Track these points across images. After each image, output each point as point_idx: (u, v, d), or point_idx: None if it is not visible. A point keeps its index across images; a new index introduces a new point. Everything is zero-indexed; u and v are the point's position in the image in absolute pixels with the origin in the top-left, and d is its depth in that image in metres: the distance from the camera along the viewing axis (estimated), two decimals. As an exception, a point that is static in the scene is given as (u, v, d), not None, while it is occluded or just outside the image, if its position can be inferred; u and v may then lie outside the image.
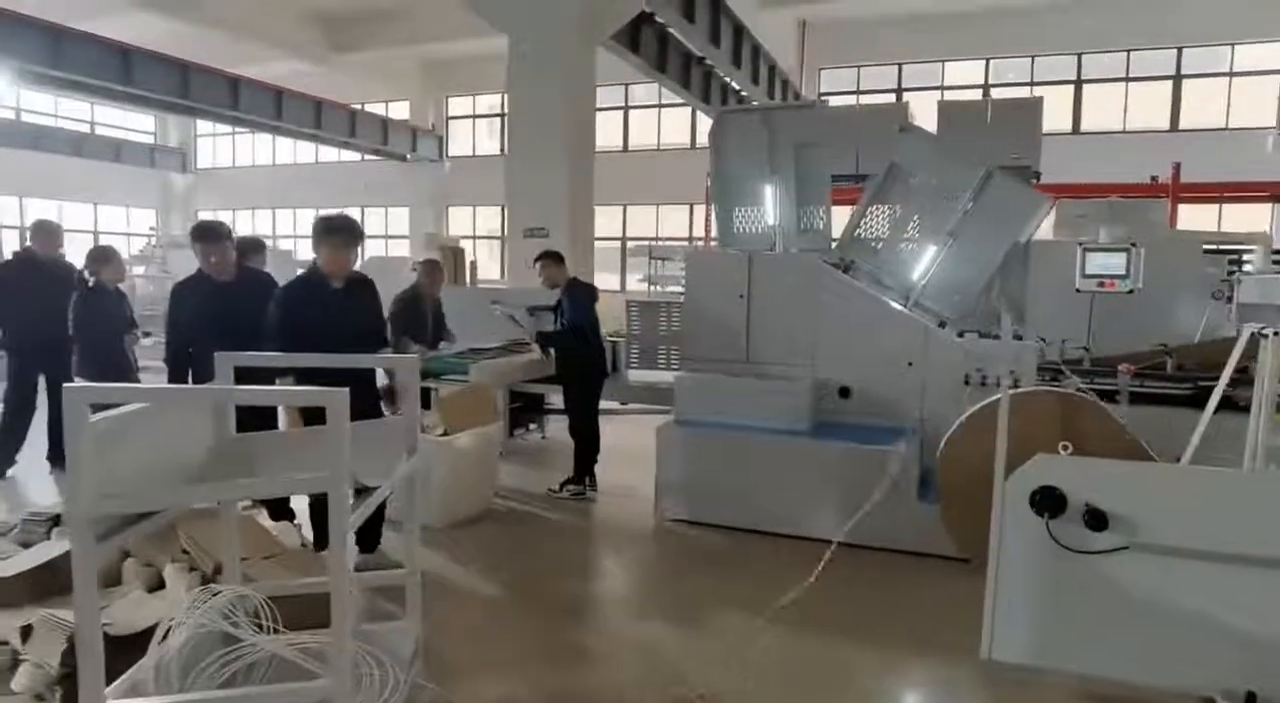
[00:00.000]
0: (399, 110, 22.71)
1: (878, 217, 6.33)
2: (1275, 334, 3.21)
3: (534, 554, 4.80)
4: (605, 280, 18.18)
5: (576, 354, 5.87)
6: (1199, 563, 3.01)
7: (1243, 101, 16.35)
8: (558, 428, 7.84)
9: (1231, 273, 5.97)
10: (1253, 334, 3.68)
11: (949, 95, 17.18)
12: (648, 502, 5.51)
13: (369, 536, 4.24)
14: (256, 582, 2.81)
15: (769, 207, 6.61)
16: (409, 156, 21.99)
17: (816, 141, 6.30)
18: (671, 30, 12.01)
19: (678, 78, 13.35)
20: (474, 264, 12.88)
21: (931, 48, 18.06)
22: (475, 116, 23.09)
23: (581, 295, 5.93)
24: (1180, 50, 16.75)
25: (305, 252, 23.42)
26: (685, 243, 19.53)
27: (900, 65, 18.75)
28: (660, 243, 17.38)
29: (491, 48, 19.59)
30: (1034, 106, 10.24)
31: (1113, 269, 5.35)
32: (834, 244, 6.48)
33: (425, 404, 5.42)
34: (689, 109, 20.16)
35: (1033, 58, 17.67)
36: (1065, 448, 3.17)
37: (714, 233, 12.87)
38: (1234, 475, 3.26)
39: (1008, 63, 18.02)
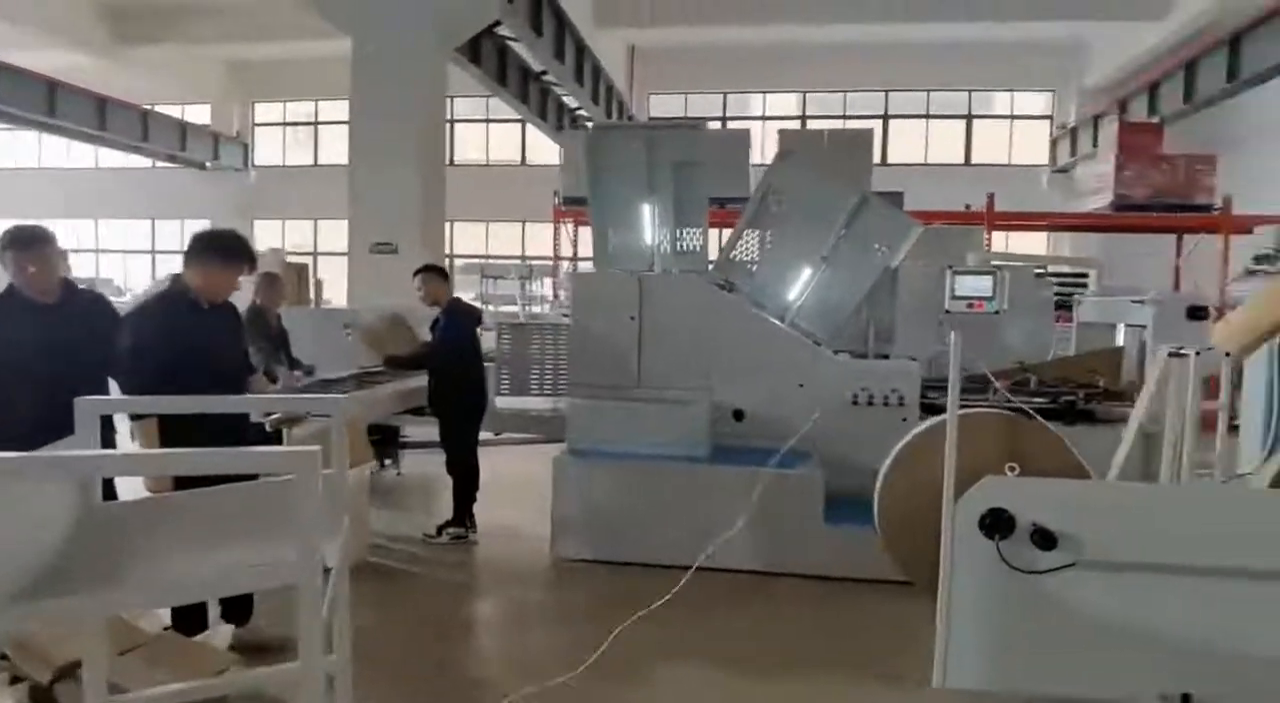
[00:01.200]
0: (198, 114, 20.66)
1: (754, 239, 6.36)
2: (1196, 354, 3.41)
3: (425, 611, 4.27)
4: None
5: (454, 382, 5.40)
6: (1138, 575, 3.11)
7: (1023, 142, 18.40)
8: (414, 463, 7.24)
9: (1071, 295, 6.55)
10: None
11: (769, 126, 18.04)
12: (537, 541, 5.13)
13: (241, 606, 3.57)
14: (127, 696, 2.19)
15: (647, 227, 6.47)
16: (209, 165, 20.06)
17: (696, 162, 6.22)
18: (511, 44, 11.70)
19: (517, 92, 13.04)
20: (320, 283, 11.78)
21: (753, 79, 18.89)
22: (286, 124, 21.47)
23: (460, 317, 5.48)
24: (970, 93, 18.59)
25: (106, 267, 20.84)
26: (518, 261, 19.16)
27: (725, 94, 19.46)
28: (492, 260, 16.86)
29: (306, 51, 18.39)
30: (866, 137, 10.95)
31: (981, 291, 5.64)
32: (711, 266, 6.44)
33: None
34: (519, 125, 19.87)
35: (844, 93, 18.95)
36: (1012, 469, 3.19)
37: (563, 251, 12.68)
38: (1168, 490, 3.44)
39: (822, 97, 19.22)
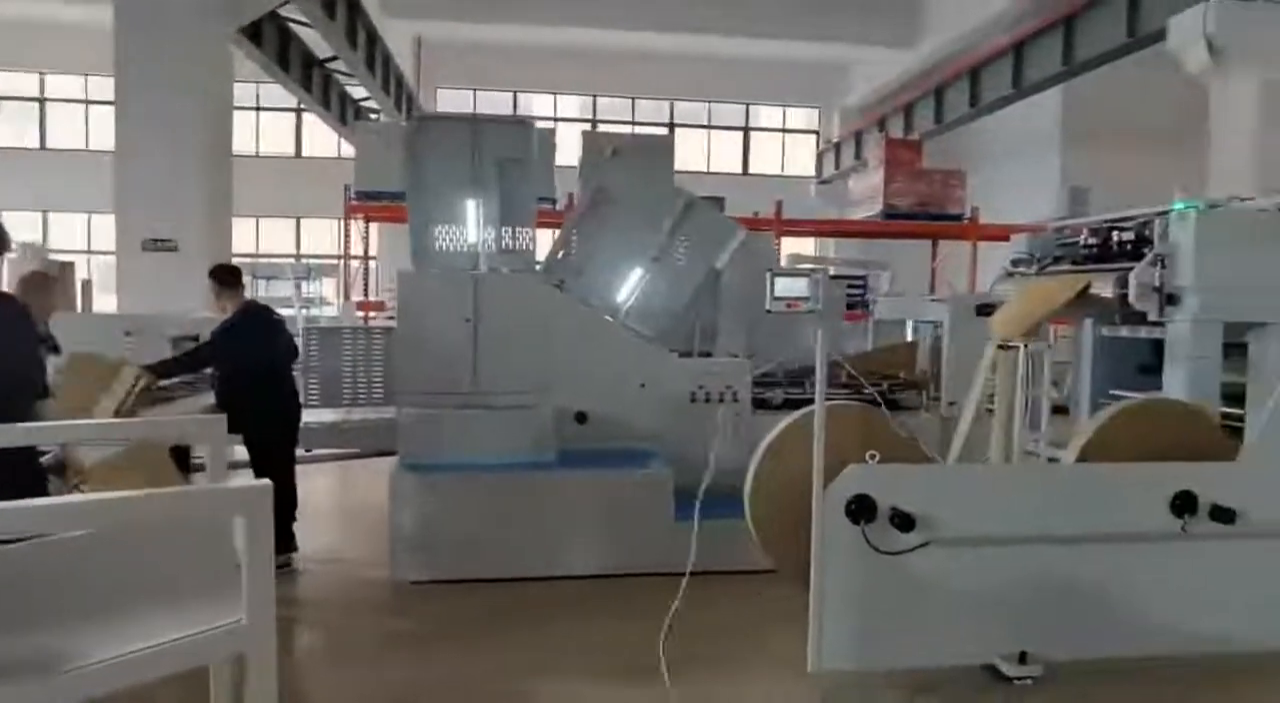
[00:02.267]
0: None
1: (584, 238, 6.32)
2: (1024, 347, 3.81)
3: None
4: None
5: (258, 394, 4.86)
6: (981, 548, 3.43)
7: (793, 154, 19.86)
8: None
9: (861, 295, 7.15)
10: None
11: (560, 127, 18.10)
12: (370, 565, 4.76)
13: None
14: None
15: (471, 224, 6.21)
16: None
17: (524, 159, 6.07)
18: (296, 28, 10.81)
19: (299, 79, 12.07)
20: (88, 283, 10.08)
21: (543, 80, 18.87)
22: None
23: (256, 322, 4.96)
24: (747, 107, 19.79)
25: None
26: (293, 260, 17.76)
27: (515, 92, 19.27)
28: (272, 260, 15.50)
29: (19, 11, 15.86)
30: (668, 144, 11.28)
31: (798, 292, 5.98)
32: (539, 266, 6.32)
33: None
34: (294, 115, 18.47)
35: (633, 99, 19.45)
36: (873, 457, 3.38)
37: (355, 249, 11.86)
38: (1002, 470, 3.82)
39: (610, 101, 19.60)
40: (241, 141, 18.74)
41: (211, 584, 1.49)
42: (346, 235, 10.69)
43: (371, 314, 10.58)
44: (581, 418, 5.29)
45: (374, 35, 12.13)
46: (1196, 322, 5.52)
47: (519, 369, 5.20)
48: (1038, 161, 15.28)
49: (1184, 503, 3.53)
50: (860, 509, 3.34)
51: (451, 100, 18.96)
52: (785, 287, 6.10)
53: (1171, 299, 5.66)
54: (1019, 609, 3.46)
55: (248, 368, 4.88)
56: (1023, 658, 3.44)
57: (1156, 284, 5.68)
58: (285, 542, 4.93)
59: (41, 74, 18.70)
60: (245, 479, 5.20)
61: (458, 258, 6.23)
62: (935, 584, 3.40)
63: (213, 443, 1.96)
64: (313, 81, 12.87)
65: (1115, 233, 6.74)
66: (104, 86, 17.43)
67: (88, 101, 18.59)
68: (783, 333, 6.61)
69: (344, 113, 14.81)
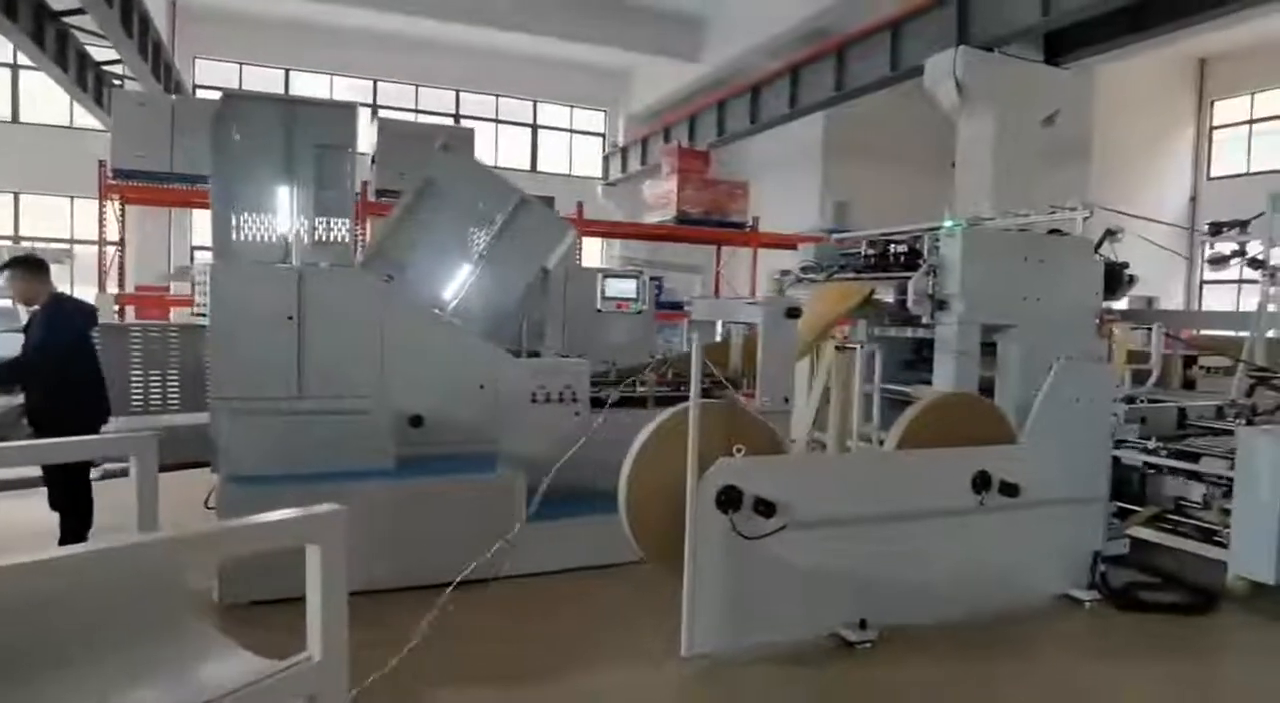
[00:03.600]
0: None
1: (408, 232, 6.10)
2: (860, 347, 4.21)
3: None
4: None
5: (66, 395, 4.25)
6: (827, 527, 3.79)
7: (580, 155, 20.18)
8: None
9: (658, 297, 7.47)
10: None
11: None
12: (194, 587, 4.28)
13: None
14: None
15: (282, 214, 5.77)
16: None
17: (344, 146, 5.75)
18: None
19: (29, 32, 10.42)
20: None
21: (319, 60, 17.70)
22: None
23: (67, 317, 4.32)
24: (535, 103, 19.81)
25: None
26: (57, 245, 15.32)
27: (288, 71, 17.89)
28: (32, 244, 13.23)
29: None
30: (468, 136, 11.10)
31: (626, 293, 6.17)
32: (359, 260, 6.03)
33: None
34: (7, 72, 15.90)
35: (417, 87, 18.77)
36: (739, 450, 3.62)
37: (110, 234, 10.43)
38: (841, 458, 4.20)
39: (396, 88, 18.78)
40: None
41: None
42: (102, 218, 9.39)
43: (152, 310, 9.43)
44: (417, 421, 5.11)
45: (129, -3, 10.76)
46: (961, 324, 6.40)
47: (348, 371, 4.94)
48: (804, 175, 16.76)
49: (981, 481, 4.14)
50: (729, 499, 3.58)
51: (214, 73, 17.22)
52: (616, 288, 6.29)
53: (941, 305, 6.51)
54: (859, 582, 3.88)
55: (59, 364, 4.23)
56: (863, 625, 3.86)
57: (930, 292, 6.52)
58: None
59: None
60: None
61: (264, 250, 5.79)
62: (791, 564, 3.72)
63: (143, 462, 1.72)
64: (45, 36, 11.16)
65: (892, 246, 7.63)
66: None
67: None
68: (599, 332, 6.78)
69: (83, 76, 12.97)
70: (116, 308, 9.36)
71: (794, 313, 6.42)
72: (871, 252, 8.02)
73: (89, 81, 13.33)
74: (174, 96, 9.86)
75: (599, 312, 6.25)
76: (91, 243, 11.08)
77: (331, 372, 4.88)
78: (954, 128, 10.19)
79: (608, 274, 6.15)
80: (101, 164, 9.17)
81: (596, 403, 5.89)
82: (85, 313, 4.60)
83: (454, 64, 18.06)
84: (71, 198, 16.29)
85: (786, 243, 13.81)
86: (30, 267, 4.37)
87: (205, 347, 5.04)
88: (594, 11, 16.34)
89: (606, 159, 20.01)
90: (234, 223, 5.68)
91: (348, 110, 5.78)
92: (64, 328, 4.34)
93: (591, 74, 19.00)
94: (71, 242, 16.35)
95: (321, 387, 4.86)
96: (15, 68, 16.24)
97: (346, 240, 6.04)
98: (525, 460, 5.08)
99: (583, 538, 4.90)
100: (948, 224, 6.70)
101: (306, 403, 4.79)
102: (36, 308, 4.33)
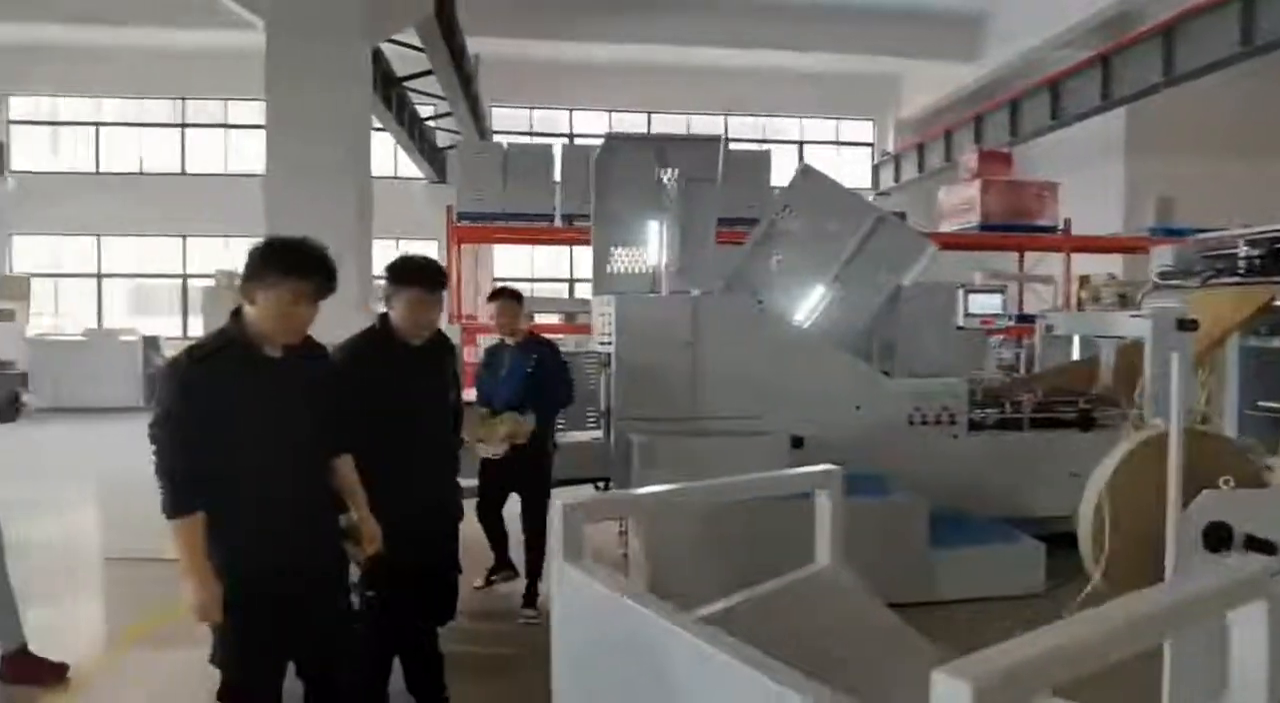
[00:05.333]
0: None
1: (762, 258, 6.26)
2: None
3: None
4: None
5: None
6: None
7: (850, 168, 19.83)
8: None
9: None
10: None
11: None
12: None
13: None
14: None
15: (652, 245, 6.17)
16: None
17: (709, 179, 6.04)
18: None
19: (382, 98, 12.04)
20: None
21: (599, 97, 18.89)
22: (57, 123, 18.40)
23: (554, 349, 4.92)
24: (802, 120, 19.77)
25: None
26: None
27: (571, 111, 19.28)
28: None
29: (78, 38, 15.89)
30: (765, 159, 11.29)
31: (991, 308, 5.93)
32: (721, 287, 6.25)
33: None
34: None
35: (688, 117, 19.42)
36: (1227, 482, 3.30)
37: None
38: None
39: (664, 117, 19.59)
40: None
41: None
42: (450, 257, 10.62)
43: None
44: (798, 443, 5.21)
45: (464, 53, 12.12)
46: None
47: (737, 392, 5.14)
48: (1102, 172, 15.28)
49: None
50: (1218, 538, 3.26)
51: (508, 118, 18.93)
52: (980, 303, 6.06)
53: (1381, 310, 5.62)
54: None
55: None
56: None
57: (1367, 294, 5.65)
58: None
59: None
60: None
61: (635, 281, 6.20)
62: (1293, 613, 3.32)
63: (833, 495, 1.89)
64: (392, 101, 12.84)
65: (1286, 244, 6.71)
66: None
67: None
68: (957, 350, 6.53)
69: (412, 132, 14.78)
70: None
71: (1189, 325, 5.82)
72: (1255, 252, 7.11)
73: (415, 136, 15.16)
74: (506, 144, 10.90)
75: (960, 328, 6.05)
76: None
77: (723, 394, 5.11)
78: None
79: (970, 289, 5.93)
80: (449, 209, 10.35)
81: (975, 426, 5.69)
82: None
83: (723, 89, 18.42)
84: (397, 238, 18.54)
85: (1106, 246, 12.70)
86: (517, 298, 4.81)
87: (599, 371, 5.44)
88: (861, 22, 16.06)
89: (876, 168, 19.51)
90: (611, 255, 6.16)
91: (712, 143, 6.07)
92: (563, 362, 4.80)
93: (858, 84, 18.65)
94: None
95: (711, 408, 5.10)
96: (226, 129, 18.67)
97: (707, 269, 6.32)
98: (902, 484, 5.02)
99: (979, 567, 4.74)
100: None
101: (695, 424, 5.05)
102: (505, 340, 4.81)
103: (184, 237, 18.47)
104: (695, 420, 5.06)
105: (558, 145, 10.67)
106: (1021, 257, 12.42)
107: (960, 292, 6.05)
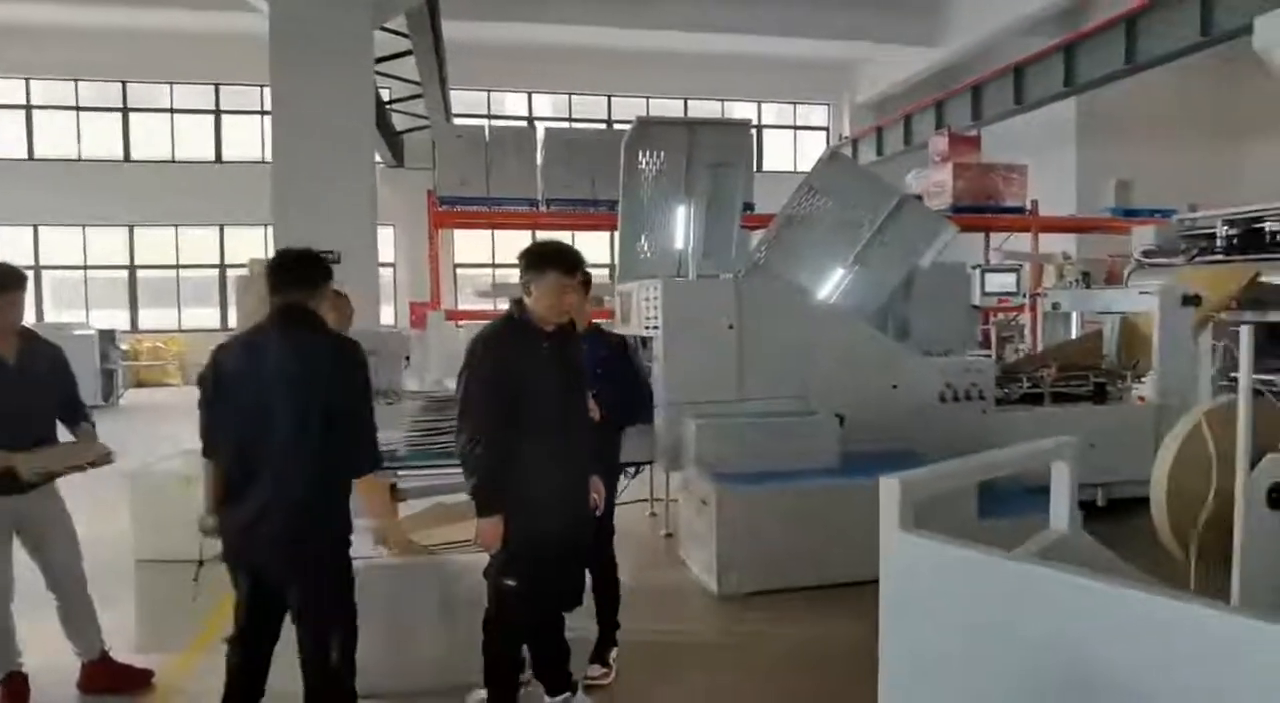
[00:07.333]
0: None
1: (784, 241, 6.35)
2: None
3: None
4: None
5: None
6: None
7: (805, 151, 20.07)
8: None
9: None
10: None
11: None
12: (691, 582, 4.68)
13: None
14: None
15: (679, 230, 6.19)
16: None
17: (737, 163, 6.08)
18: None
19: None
20: None
21: (561, 78, 18.70)
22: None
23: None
24: (760, 105, 19.93)
25: None
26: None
27: (530, 94, 19.01)
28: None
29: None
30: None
31: (1007, 288, 6.14)
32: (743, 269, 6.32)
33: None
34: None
35: (647, 99, 19.38)
36: (1290, 448, 3.51)
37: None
38: None
39: (626, 101, 19.52)
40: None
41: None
42: (432, 243, 10.41)
43: (461, 324, 10.32)
44: (840, 420, 5.32)
45: (440, 37, 11.84)
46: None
47: (779, 373, 5.22)
48: (1054, 156, 15.84)
49: None
50: (1281, 497, 3.48)
51: (467, 102, 18.59)
52: (996, 283, 6.26)
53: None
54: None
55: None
56: None
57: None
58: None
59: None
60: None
61: (661, 265, 6.22)
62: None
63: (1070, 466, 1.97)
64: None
65: (1267, 224, 7.11)
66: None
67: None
68: (961, 329, 6.75)
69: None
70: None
71: (1192, 300, 6.14)
72: (1232, 231, 7.50)
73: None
74: (486, 128, 10.72)
75: (975, 307, 6.25)
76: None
77: (766, 375, 5.18)
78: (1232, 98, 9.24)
79: (987, 269, 6.12)
80: (429, 194, 10.14)
81: (1000, 401, 5.89)
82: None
83: (682, 72, 18.43)
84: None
85: (1072, 226, 13.20)
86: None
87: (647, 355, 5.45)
88: (822, 6, 16.22)
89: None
90: (640, 241, 6.16)
91: (742, 128, 6.12)
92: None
93: (814, 68, 18.86)
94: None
95: (756, 389, 5.17)
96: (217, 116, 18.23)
97: (731, 253, 6.39)
98: (935, 459, 5.16)
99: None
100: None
101: (747, 405, 5.12)
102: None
103: (221, 226, 17.99)
104: (741, 402, 5.12)
105: (540, 129, 10.55)
106: (987, 237, 12.81)
107: (977, 272, 6.25)
